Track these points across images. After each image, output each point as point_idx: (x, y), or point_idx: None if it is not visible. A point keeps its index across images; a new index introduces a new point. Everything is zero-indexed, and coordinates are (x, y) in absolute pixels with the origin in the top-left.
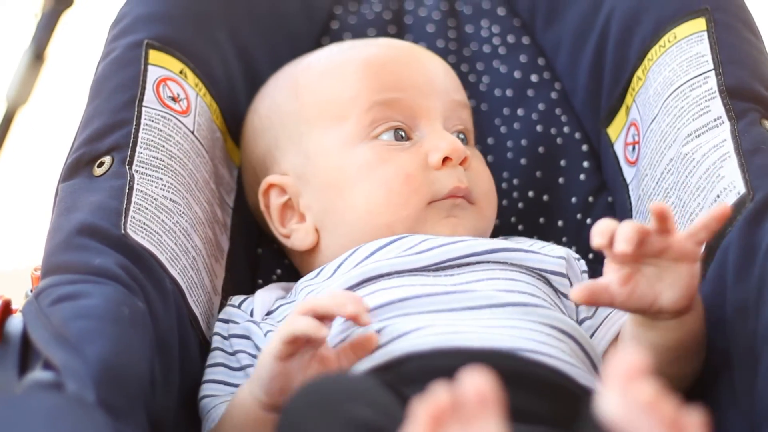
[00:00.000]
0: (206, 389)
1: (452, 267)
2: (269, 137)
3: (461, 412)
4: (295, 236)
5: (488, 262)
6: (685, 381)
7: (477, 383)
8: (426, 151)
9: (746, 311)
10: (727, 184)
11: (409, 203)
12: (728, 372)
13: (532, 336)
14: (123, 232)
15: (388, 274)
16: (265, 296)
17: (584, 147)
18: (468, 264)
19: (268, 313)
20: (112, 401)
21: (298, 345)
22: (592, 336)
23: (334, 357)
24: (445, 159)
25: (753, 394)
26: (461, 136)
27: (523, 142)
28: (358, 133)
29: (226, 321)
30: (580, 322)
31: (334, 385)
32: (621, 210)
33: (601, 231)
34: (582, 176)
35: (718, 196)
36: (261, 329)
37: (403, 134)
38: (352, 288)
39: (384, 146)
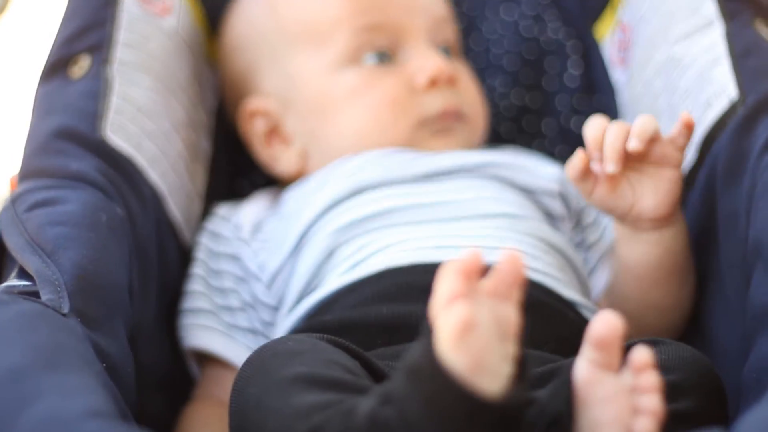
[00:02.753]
0: (186, 301)
1: (441, 176)
2: (247, 57)
3: (491, 288)
4: (280, 162)
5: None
6: (676, 312)
7: (513, 269)
8: (411, 73)
9: (736, 218)
10: (717, 88)
11: (398, 125)
12: (718, 280)
13: (517, 248)
14: (101, 135)
15: (377, 185)
16: (253, 209)
17: (571, 47)
18: (457, 174)
19: (257, 228)
20: (87, 310)
21: None
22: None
23: None
24: (432, 81)
25: (744, 301)
26: (447, 51)
27: (506, 42)
28: (342, 58)
29: (215, 235)
30: (588, 247)
31: (273, 350)
32: (607, 112)
33: (593, 137)
34: (568, 77)
35: (708, 100)
36: (250, 247)
37: (388, 56)
38: (341, 200)
39: (369, 70)
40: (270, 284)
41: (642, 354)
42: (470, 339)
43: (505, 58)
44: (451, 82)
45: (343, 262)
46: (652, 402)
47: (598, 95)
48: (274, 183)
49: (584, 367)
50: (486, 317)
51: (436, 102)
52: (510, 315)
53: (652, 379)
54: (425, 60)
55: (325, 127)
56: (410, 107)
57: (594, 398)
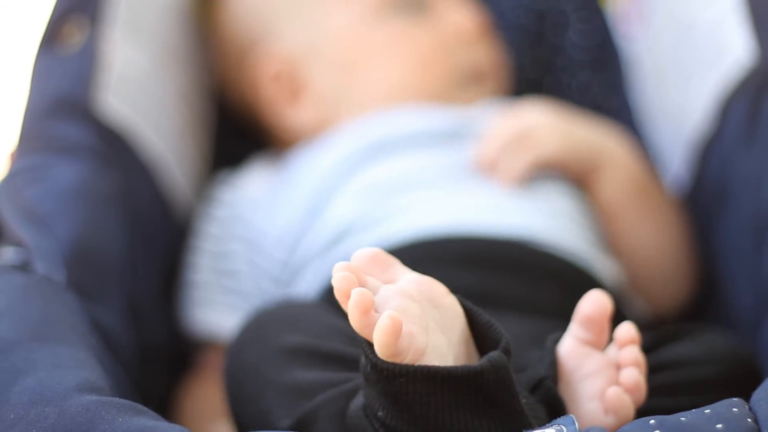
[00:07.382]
0: (191, 273)
1: (468, 136)
2: (262, 13)
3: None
4: (305, 121)
5: None
6: (665, 254)
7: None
8: (445, 26)
9: (753, 183)
10: (734, 50)
11: (433, 78)
12: (735, 247)
13: (546, 221)
14: (99, 105)
15: (398, 144)
16: (259, 172)
17: (575, 7)
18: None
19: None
20: (83, 282)
21: None
22: None
23: None
24: (466, 33)
25: (760, 269)
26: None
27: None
28: (375, 8)
29: (221, 202)
30: None
31: (272, 316)
32: (616, 78)
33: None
34: (574, 38)
35: (724, 63)
36: (259, 209)
37: (419, 6)
38: (357, 161)
39: (403, 21)
40: (283, 244)
41: (626, 329)
42: (403, 339)
43: (517, 15)
44: (483, 37)
45: (364, 228)
46: (630, 376)
47: (606, 56)
48: (273, 146)
49: (570, 344)
50: (395, 303)
51: (470, 55)
52: (407, 287)
53: (633, 354)
54: (459, 14)
55: (356, 81)
56: (446, 60)
57: (579, 374)
